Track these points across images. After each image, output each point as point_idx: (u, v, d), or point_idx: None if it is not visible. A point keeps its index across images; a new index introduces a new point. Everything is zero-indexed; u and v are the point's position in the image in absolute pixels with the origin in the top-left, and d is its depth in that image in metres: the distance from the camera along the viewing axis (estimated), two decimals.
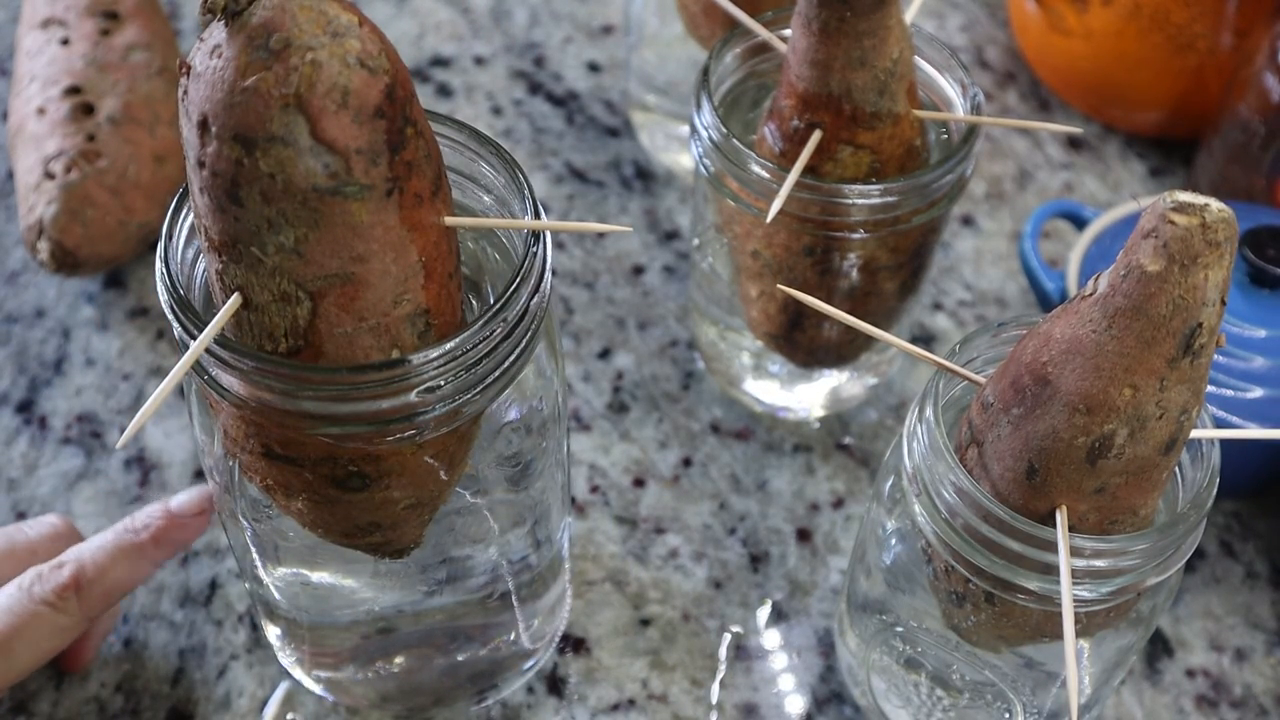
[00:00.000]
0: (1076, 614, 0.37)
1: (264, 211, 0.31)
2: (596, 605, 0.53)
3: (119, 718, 0.49)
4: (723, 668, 0.52)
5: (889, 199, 0.47)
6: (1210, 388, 0.53)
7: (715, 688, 0.51)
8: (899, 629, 0.46)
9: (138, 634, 0.52)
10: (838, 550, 0.56)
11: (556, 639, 0.52)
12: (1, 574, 0.46)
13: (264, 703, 0.50)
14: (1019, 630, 0.40)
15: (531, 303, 0.35)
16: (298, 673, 0.49)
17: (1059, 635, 0.38)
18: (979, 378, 0.39)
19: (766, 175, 0.47)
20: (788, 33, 0.47)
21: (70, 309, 0.63)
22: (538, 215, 0.37)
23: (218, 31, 0.30)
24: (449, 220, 0.34)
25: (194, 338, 0.33)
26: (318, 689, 0.49)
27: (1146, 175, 0.73)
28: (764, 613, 0.54)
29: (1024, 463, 0.36)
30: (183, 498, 0.48)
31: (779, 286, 0.43)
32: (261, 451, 0.36)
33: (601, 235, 0.67)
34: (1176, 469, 0.39)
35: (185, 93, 0.31)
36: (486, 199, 0.39)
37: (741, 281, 0.53)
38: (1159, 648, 0.53)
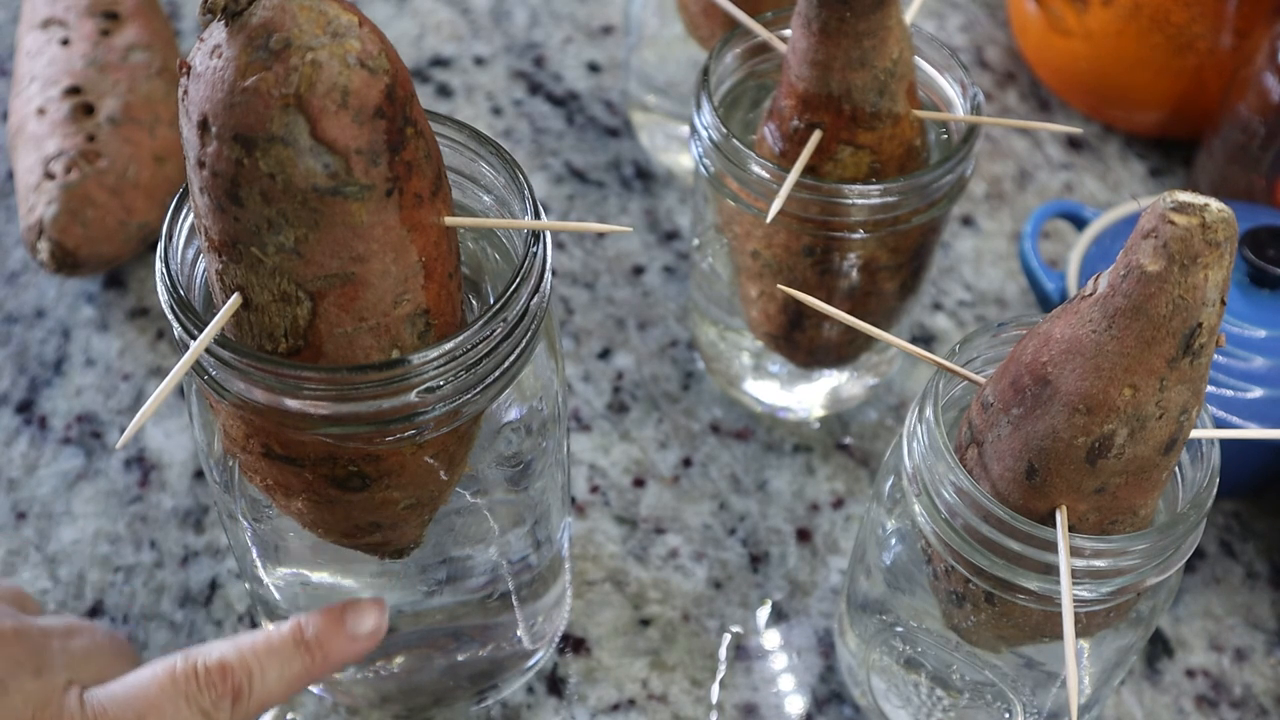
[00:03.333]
0: (1076, 614, 0.37)
1: (264, 211, 0.31)
2: (596, 605, 0.53)
3: None
4: (723, 668, 0.52)
5: (889, 199, 0.47)
6: (1210, 388, 0.53)
7: (715, 688, 0.51)
8: (899, 629, 0.46)
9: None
10: (838, 550, 0.56)
11: (556, 639, 0.52)
12: None
13: None
14: (1019, 630, 0.40)
15: (531, 303, 0.35)
16: None
17: (1059, 635, 0.38)
18: (979, 378, 0.39)
19: (766, 175, 0.47)
20: (788, 33, 0.47)
21: (70, 309, 0.63)
22: (538, 215, 0.37)
23: (218, 31, 0.30)
24: (449, 220, 0.34)
25: (194, 338, 0.33)
26: (317, 689, 0.49)
27: (1146, 175, 0.73)
28: (764, 613, 0.54)
29: (1024, 463, 0.36)
30: (356, 611, 0.42)
31: (779, 286, 0.43)
32: (261, 451, 0.36)
33: (601, 235, 0.67)
34: (1176, 469, 0.39)
35: (185, 93, 0.31)
36: (486, 199, 0.39)
37: (741, 281, 0.53)
38: (1159, 648, 0.53)
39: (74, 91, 0.62)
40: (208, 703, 0.39)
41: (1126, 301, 0.33)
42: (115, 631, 0.48)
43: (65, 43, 0.64)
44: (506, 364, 0.35)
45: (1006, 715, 0.46)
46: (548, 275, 0.36)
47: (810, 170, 0.47)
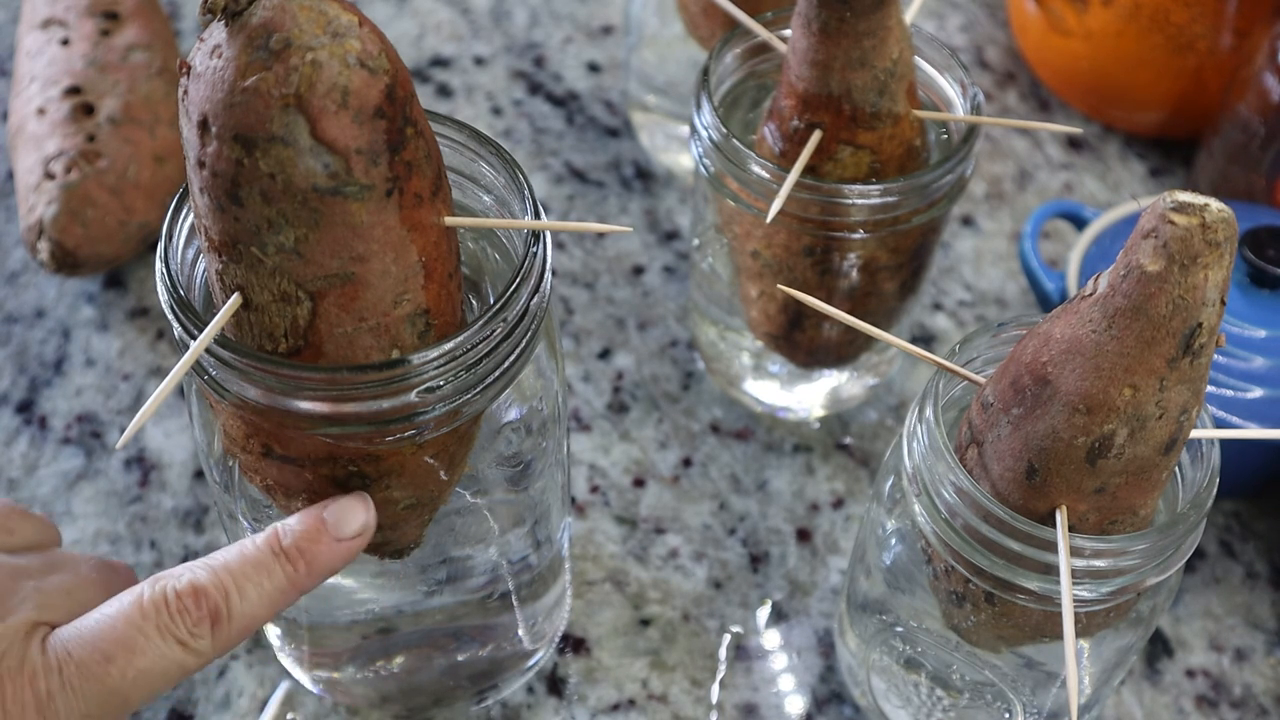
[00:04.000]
0: (1076, 614, 0.37)
1: (264, 211, 0.31)
2: (596, 605, 0.53)
3: None
4: (723, 668, 0.52)
5: (889, 199, 0.47)
6: (1210, 388, 0.53)
7: (715, 688, 0.51)
8: (899, 629, 0.46)
9: None
10: (838, 550, 0.56)
11: (556, 639, 0.52)
12: None
13: (264, 703, 0.50)
14: (1019, 630, 0.40)
15: (531, 303, 0.35)
16: (297, 673, 0.49)
17: (1059, 635, 0.38)
18: (979, 378, 0.39)
19: (766, 175, 0.47)
20: (788, 33, 0.47)
21: (70, 309, 0.63)
22: (538, 215, 0.37)
23: (218, 31, 0.30)
24: (449, 220, 0.34)
25: (194, 338, 0.33)
26: (317, 689, 0.49)
27: (1146, 175, 0.73)
28: (764, 613, 0.54)
29: (1024, 463, 0.36)
30: (338, 510, 0.37)
31: (779, 286, 0.43)
32: (261, 451, 0.36)
33: (601, 235, 0.67)
34: (1176, 469, 0.39)
35: (185, 93, 0.31)
36: (486, 199, 0.39)
37: (741, 281, 0.53)
38: (1159, 648, 0.53)
39: (74, 91, 0.62)
40: (183, 631, 0.35)
41: (1126, 301, 0.33)
42: (113, 561, 0.42)
43: (65, 43, 0.64)
44: (506, 364, 0.35)
45: (1006, 715, 0.46)
46: (548, 275, 0.36)
47: (810, 170, 0.47)
